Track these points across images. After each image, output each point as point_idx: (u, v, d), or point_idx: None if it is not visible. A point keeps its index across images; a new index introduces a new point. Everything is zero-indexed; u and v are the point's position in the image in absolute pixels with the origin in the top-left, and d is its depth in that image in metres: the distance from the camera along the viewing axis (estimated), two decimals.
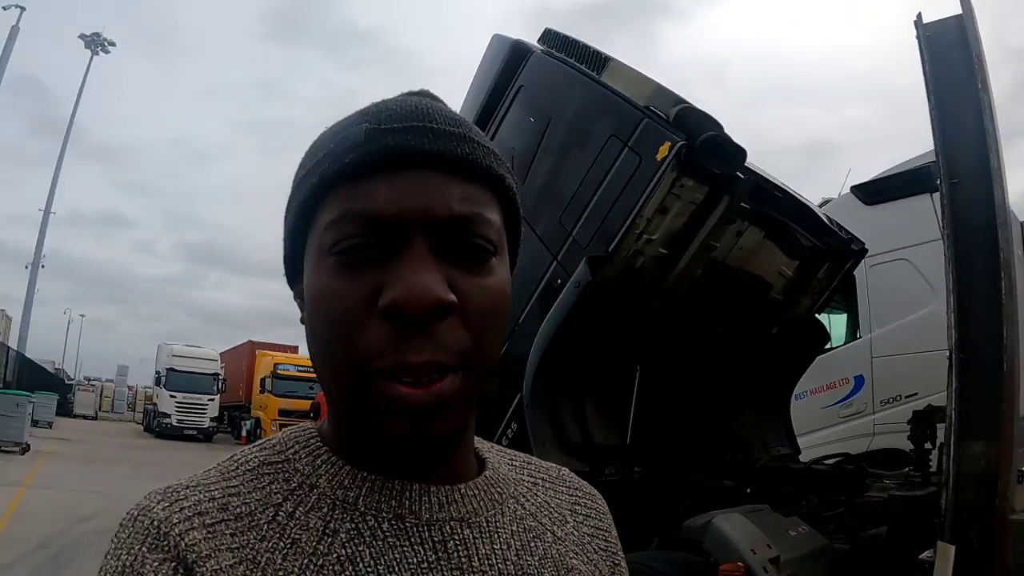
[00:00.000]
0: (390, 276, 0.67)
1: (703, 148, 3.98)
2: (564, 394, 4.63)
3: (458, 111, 3.35)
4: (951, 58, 3.34)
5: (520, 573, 0.77)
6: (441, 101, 0.80)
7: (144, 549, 0.68)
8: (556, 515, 0.87)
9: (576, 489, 0.94)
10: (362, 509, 0.73)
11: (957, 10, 3.30)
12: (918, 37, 3.43)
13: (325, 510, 0.73)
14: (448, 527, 0.75)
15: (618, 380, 4.71)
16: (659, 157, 4.05)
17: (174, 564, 0.67)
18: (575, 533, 0.87)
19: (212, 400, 36.21)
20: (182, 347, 37.77)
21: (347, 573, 0.70)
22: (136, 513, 0.71)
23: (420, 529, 0.74)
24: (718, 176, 4.15)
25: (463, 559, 0.74)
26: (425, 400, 0.67)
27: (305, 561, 0.70)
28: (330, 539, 0.71)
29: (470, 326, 0.69)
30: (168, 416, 34.85)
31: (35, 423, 23.48)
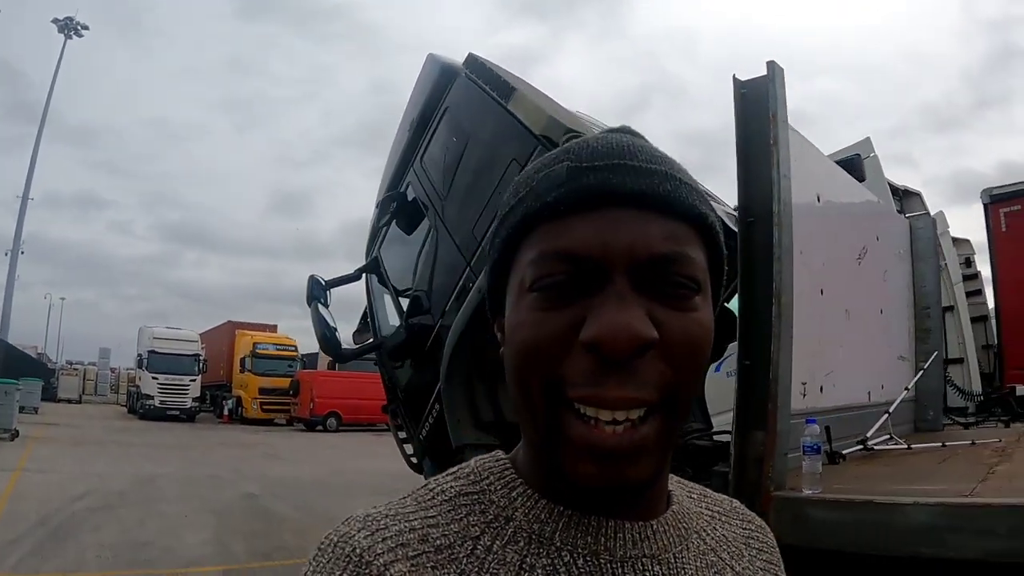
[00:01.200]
0: (592, 312, 0.67)
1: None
2: (479, 379, 5.24)
3: (398, 124, 4.18)
4: (756, 113, 3.75)
5: None
6: (643, 138, 0.80)
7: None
8: (734, 549, 0.87)
9: (748, 522, 0.94)
10: (558, 544, 0.73)
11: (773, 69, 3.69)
12: (734, 93, 3.83)
13: (521, 544, 0.73)
14: (640, 564, 0.75)
15: None
16: None
17: None
18: (750, 568, 0.87)
19: (194, 380, 36.96)
20: (163, 329, 38.40)
21: None
22: (336, 539, 0.71)
23: (614, 566, 0.73)
24: None
25: None
26: (620, 444, 0.66)
27: None
28: (527, 574, 0.71)
29: (671, 362, 0.68)
30: (151, 398, 35.69)
31: (21, 409, 23.95)
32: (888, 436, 4.68)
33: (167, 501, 12.54)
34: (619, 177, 0.70)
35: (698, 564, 0.79)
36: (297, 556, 9.04)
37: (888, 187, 9.17)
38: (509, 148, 4.96)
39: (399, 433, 6.57)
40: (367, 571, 0.68)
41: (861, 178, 8.07)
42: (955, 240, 13.41)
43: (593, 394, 0.66)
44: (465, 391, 5.23)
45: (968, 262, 12.81)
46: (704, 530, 0.85)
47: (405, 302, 6.03)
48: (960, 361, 10.27)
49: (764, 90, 3.74)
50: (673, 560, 0.77)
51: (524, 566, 0.71)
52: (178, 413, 35.81)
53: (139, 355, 38.23)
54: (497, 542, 0.73)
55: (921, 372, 5.51)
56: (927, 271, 6.45)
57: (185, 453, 21.40)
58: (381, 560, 0.68)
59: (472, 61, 5.60)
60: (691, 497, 0.90)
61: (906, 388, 5.13)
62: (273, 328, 40.72)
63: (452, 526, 0.74)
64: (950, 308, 10.46)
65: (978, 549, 2.79)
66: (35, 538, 9.25)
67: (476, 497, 0.77)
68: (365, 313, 7.06)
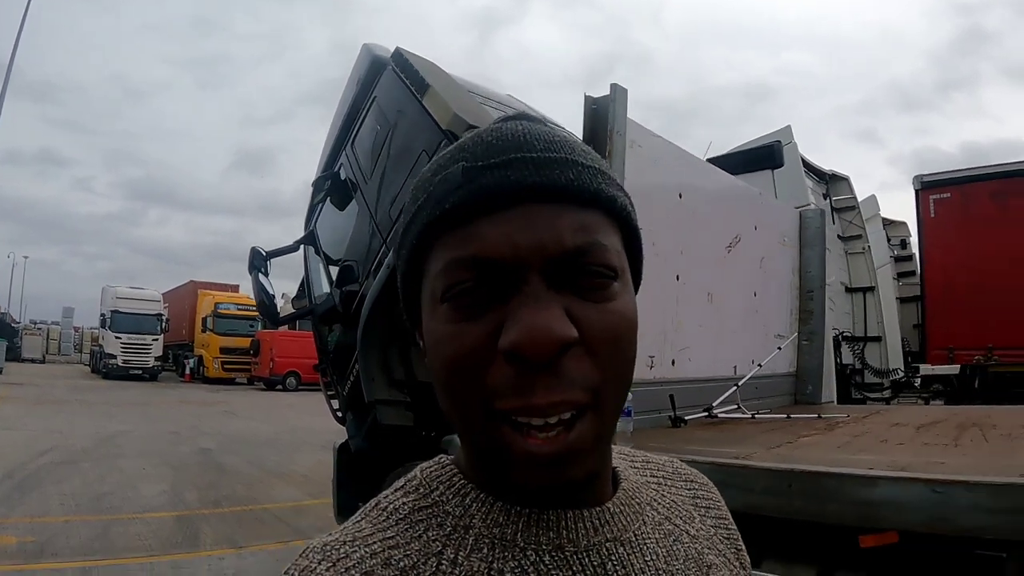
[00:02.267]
0: (509, 317, 0.64)
1: None
2: (393, 342, 5.76)
3: (334, 111, 4.86)
4: (599, 128, 4.26)
5: None
6: (540, 122, 0.75)
7: None
8: (684, 513, 0.87)
9: (692, 481, 0.94)
10: (521, 545, 0.71)
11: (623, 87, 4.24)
12: (584, 109, 4.34)
13: (485, 551, 0.71)
14: (604, 549, 0.74)
15: None
16: None
17: None
18: (703, 528, 0.87)
19: (156, 340, 37.26)
20: (126, 289, 38.54)
21: None
22: (296, 574, 0.69)
23: (580, 556, 0.72)
24: None
25: None
26: (554, 451, 0.64)
27: None
28: None
29: (596, 357, 0.66)
30: (114, 357, 36.07)
31: None
32: (735, 406, 5.17)
33: (127, 456, 13.13)
34: (517, 172, 0.68)
35: (657, 536, 0.80)
36: (244, 504, 9.78)
37: (804, 172, 9.72)
38: (420, 140, 5.43)
39: (328, 390, 7.06)
40: None
41: (779, 164, 8.68)
42: (892, 222, 13.98)
43: (521, 404, 0.64)
44: (379, 353, 5.74)
45: (904, 244, 13.57)
46: (655, 500, 0.85)
47: (336, 272, 6.50)
48: (878, 339, 11.15)
49: (607, 108, 4.21)
50: (634, 538, 0.77)
51: (492, 572, 0.70)
52: (141, 372, 36.24)
53: (102, 315, 38.49)
54: (460, 553, 0.71)
55: (776, 350, 5.99)
56: (813, 257, 6.97)
57: (146, 411, 21.92)
58: None
59: (398, 56, 5.97)
60: (635, 467, 0.90)
61: (759, 364, 5.64)
62: (235, 288, 40.87)
63: (413, 545, 0.72)
64: (871, 289, 11.18)
65: (740, 502, 3.33)
66: (2, 490, 9.83)
67: (431, 511, 0.75)
68: (303, 281, 7.54)
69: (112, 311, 36.78)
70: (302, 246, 7.31)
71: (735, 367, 5.50)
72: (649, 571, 0.76)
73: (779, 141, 8.87)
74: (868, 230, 12.06)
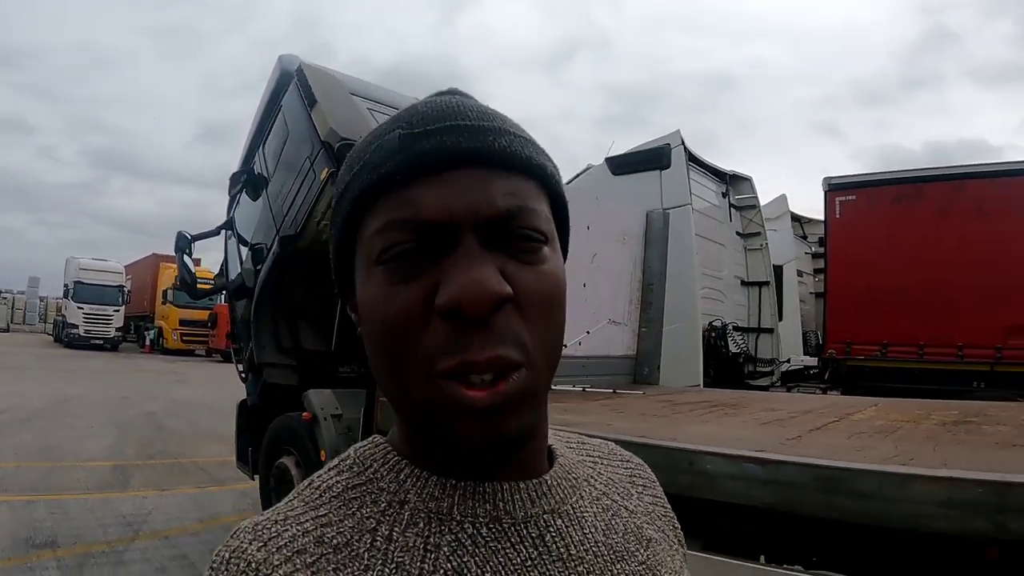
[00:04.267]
0: (445, 276, 0.66)
1: None
2: (282, 316, 6.89)
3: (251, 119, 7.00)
4: None
5: (611, 553, 0.78)
6: (471, 98, 0.77)
7: None
8: (622, 489, 0.89)
9: (627, 461, 0.96)
10: (458, 518, 0.72)
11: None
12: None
13: (421, 525, 0.72)
14: (542, 521, 0.75)
15: (325, 309, 6.74)
16: (321, 178, 6.01)
17: None
18: (641, 504, 0.89)
19: (117, 311, 37.86)
20: (89, 260, 39.00)
21: None
22: (228, 555, 0.67)
23: (518, 528, 0.73)
24: None
25: (561, 549, 0.74)
26: (491, 401, 0.65)
27: None
28: (433, 554, 0.69)
29: (529, 316, 0.68)
30: (76, 327, 36.60)
31: None
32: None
33: (78, 416, 14.20)
34: (453, 138, 0.69)
35: (595, 510, 0.81)
36: (175, 457, 11.03)
37: (694, 172, 10.17)
38: (306, 148, 6.38)
39: (236, 355, 8.08)
40: None
41: (667, 166, 9.50)
42: (811, 220, 14.74)
43: (458, 360, 0.65)
44: (269, 323, 6.83)
45: (821, 241, 13.78)
46: (592, 476, 0.86)
47: (248, 254, 7.38)
48: (770, 331, 11.66)
49: None
50: (572, 510, 0.78)
51: (428, 547, 0.70)
52: (101, 342, 36.93)
53: (65, 285, 39.04)
54: (396, 529, 0.71)
55: (585, 333, 6.79)
56: (655, 255, 7.80)
57: (102, 378, 22.73)
58: (280, 572, 0.65)
59: (300, 71, 6.74)
60: (571, 447, 0.91)
61: (565, 344, 6.65)
62: (196, 262, 40.93)
63: (346, 522, 0.71)
64: (766, 283, 11.72)
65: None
66: None
67: (365, 488, 0.75)
68: (223, 261, 8.56)
69: (75, 282, 37.30)
70: (223, 231, 8.29)
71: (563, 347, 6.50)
72: (588, 543, 0.76)
73: (668, 144, 9.56)
74: (776, 227, 12.80)
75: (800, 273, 14.10)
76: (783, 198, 14.06)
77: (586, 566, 0.75)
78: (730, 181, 11.65)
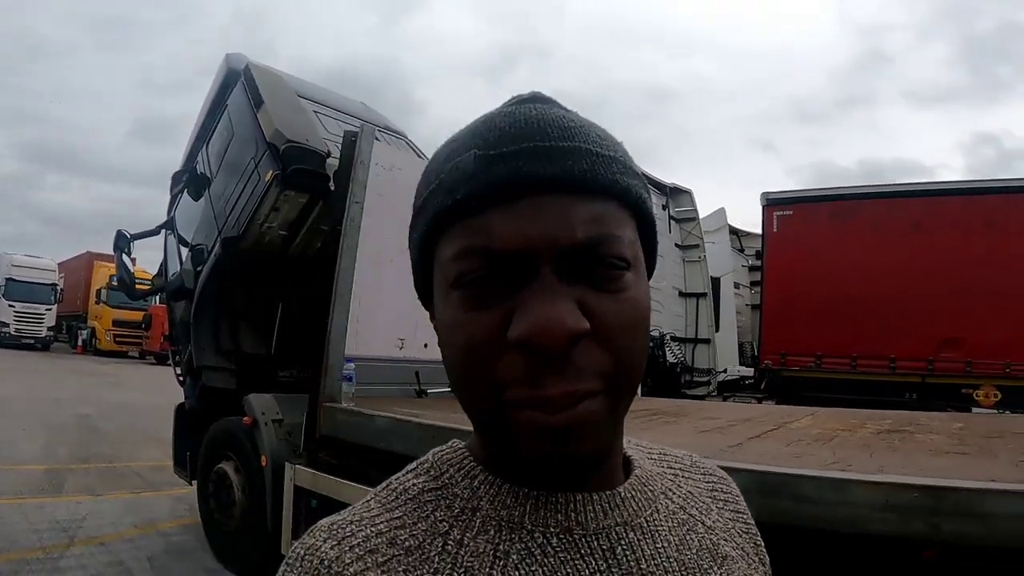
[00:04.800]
0: (519, 307, 0.64)
1: (292, 175, 5.96)
2: (224, 318, 6.85)
3: (196, 115, 7.14)
4: (349, 156, 5.39)
5: (683, 569, 0.75)
6: (555, 104, 0.74)
7: None
8: (701, 504, 0.85)
9: (710, 475, 0.92)
10: (529, 527, 0.71)
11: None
12: (344, 140, 5.51)
13: (492, 532, 0.71)
14: (614, 533, 0.73)
15: (266, 312, 6.90)
16: (266, 179, 6.05)
17: None
18: (720, 520, 0.85)
19: (49, 310, 36.91)
20: (21, 257, 38.01)
21: None
22: (303, 552, 0.69)
23: (588, 539, 0.71)
24: (313, 188, 6.17)
25: (631, 563, 0.72)
26: (564, 423, 0.63)
27: None
28: (502, 562, 0.69)
29: (608, 347, 0.65)
30: (7, 325, 35.56)
31: None
32: None
33: (9, 417, 13.82)
34: (531, 163, 0.65)
35: (670, 524, 0.78)
36: (109, 461, 10.80)
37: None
38: (250, 148, 6.39)
39: (174, 357, 7.97)
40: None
41: None
42: (748, 234, 14.87)
43: (531, 395, 0.63)
44: (210, 325, 6.79)
45: (758, 254, 13.99)
46: (670, 489, 0.83)
47: (188, 254, 7.34)
48: (707, 342, 11.88)
49: (357, 142, 5.31)
50: (645, 524, 0.75)
51: (498, 554, 0.69)
52: (33, 342, 36.04)
53: None
54: (467, 534, 0.71)
55: None
56: None
57: (34, 379, 22.26)
58: (351, 570, 0.66)
59: (247, 71, 6.78)
60: (651, 458, 0.88)
61: None
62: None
63: (419, 525, 0.71)
64: (704, 295, 11.96)
65: (404, 448, 4.01)
66: None
67: (440, 492, 0.74)
68: (163, 261, 8.36)
69: (7, 279, 36.36)
70: (163, 231, 8.21)
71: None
72: (660, 558, 0.73)
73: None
74: (714, 240, 12.96)
75: (737, 285, 14.32)
76: (722, 211, 14.19)
77: None
78: (670, 193, 11.81)
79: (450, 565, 0.68)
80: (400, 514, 0.72)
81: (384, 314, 5.50)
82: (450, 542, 0.70)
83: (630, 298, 0.67)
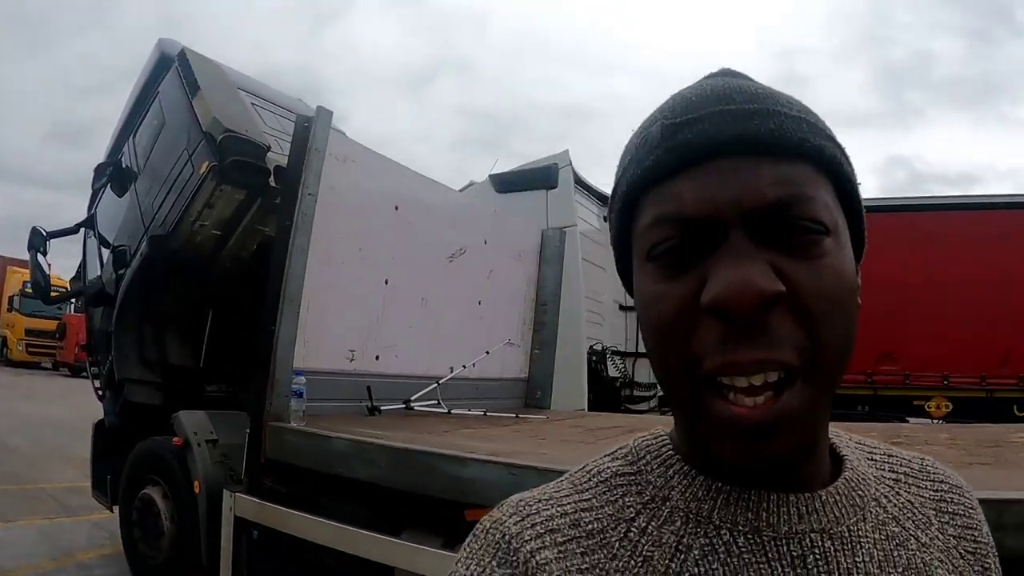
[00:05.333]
0: (711, 273, 0.62)
1: (230, 167, 5.46)
2: (149, 325, 6.26)
3: (118, 116, 6.31)
4: (303, 144, 4.84)
5: None
6: (744, 77, 0.72)
7: (494, 563, 0.68)
8: (920, 517, 0.77)
9: (941, 483, 0.82)
10: (716, 523, 0.68)
11: None
12: (296, 127, 4.99)
13: (678, 524, 0.69)
14: (808, 540, 0.68)
15: (194, 319, 6.35)
16: (201, 171, 5.55)
17: None
18: (940, 537, 0.77)
19: None
20: None
21: None
22: (488, 525, 0.71)
23: (778, 543, 0.67)
24: (252, 184, 5.67)
25: (823, 574, 0.67)
26: (759, 419, 0.61)
27: None
28: (683, 556, 0.67)
29: (804, 317, 0.62)
30: None
31: None
32: (436, 401, 5.66)
33: None
34: (716, 126, 0.65)
35: (877, 536, 0.71)
36: (22, 482, 9.97)
37: (579, 194, 10.12)
38: (184, 138, 5.88)
39: (92, 368, 7.43)
40: (515, 558, 0.67)
41: (553, 185, 9.32)
42: None
43: (724, 361, 0.61)
44: (134, 333, 6.22)
45: None
46: (885, 496, 0.77)
47: (109, 256, 6.80)
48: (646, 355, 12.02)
49: (310, 127, 4.81)
50: (847, 534, 0.69)
51: (680, 547, 0.67)
52: None
53: None
54: (653, 523, 0.69)
55: (484, 354, 6.42)
56: (551, 273, 7.51)
57: None
58: (528, 547, 0.67)
59: (182, 56, 6.26)
60: (872, 460, 0.82)
61: (463, 366, 6.18)
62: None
63: (606, 508, 0.71)
64: None
65: (368, 474, 3.74)
66: None
67: (633, 478, 0.74)
68: (81, 263, 7.84)
69: None
70: (82, 229, 7.64)
71: (451, 368, 6.05)
72: (857, 572, 0.68)
73: (555, 164, 9.42)
74: None
75: None
76: None
77: None
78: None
79: (629, 552, 0.68)
80: (589, 496, 0.73)
81: (334, 322, 5.03)
82: (634, 529, 0.70)
83: (830, 266, 0.64)
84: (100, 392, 7.05)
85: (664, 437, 0.77)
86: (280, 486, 4.28)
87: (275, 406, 4.41)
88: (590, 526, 0.69)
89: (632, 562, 0.67)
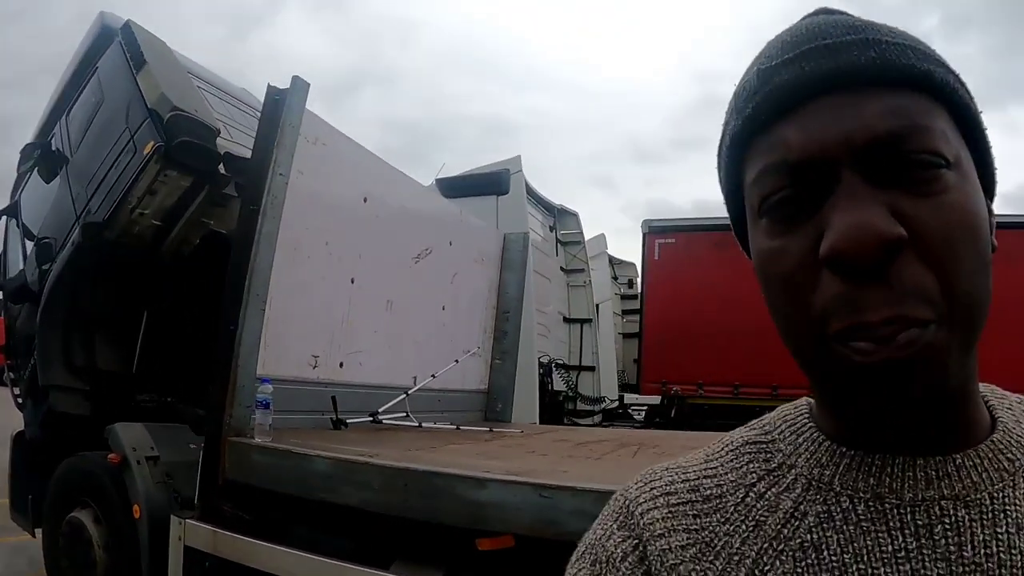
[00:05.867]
0: (827, 221, 0.58)
1: (178, 149, 4.92)
2: (76, 325, 5.64)
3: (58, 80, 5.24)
4: (274, 118, 4.27)
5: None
6: (841, 12, 0.68)
7: (615, 525, 0.72)
8: None
9: None
10: (837, 489, 0.64)
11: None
12: (266, 99, 4.36)
13: (799, 491, 0.66)
14: (937, 508, 0.61)
15: (127, 321, 5.76)
16: (145, 152, 4.98)
17: (635, 542, 0.69)
18: None
19: None
20: None
21: (809, 560, 0.63)
22: (617, 494, 0.75)
23: (901, 511, 0.61)
24: (200, 169, 5.14)
25: (952, 547, 0.59)
26: (888, 359, 0.55)
27: (764, 545, 0.65)
28: (797, 522, 0.64)
29: (932, 261, 0.56)
30: None
31: None
32: (405, 414, 5.22)
33: None
34: (812, 63, 0.61)
35: None
36: None
37: (533, 200, 10.02)
38: (126, 116, 5.34)
39: (12, 373, 6.79)
40: (630, 520, 0.71)
41: (505, 191, 8.96)
42: (621, 262, 14.80)
43: (852, 322, 0.57)
44: (60, 335, 5.60)
45: (631, 283, 14.48)
46: None
47: (33, 248, 6.18)
48: (592, 369, 11.56)
49: (284, 99, 4.26)
50: (988, 502, 0.61)
51: (796, 513, 0.65)
52: None
53: None
54: (773, 489, 0.68)
55: (453, 363, 6.03)
56: (512, 280, 7.12)
57: None
58: (642, 508, 0.71)
59: (127, 29, 5.77)
60: None
61: (433, 375, 5.70)
62: None
63: (728, 475, 0.71)
64: (589, 321, 11.62)
65: (359, 499, 3.25)
66: None
67: (763, 446, 0.73)
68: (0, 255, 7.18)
69: None
70: (3, 216, 7.07)
71: (415, 377, 5.58)
72: (998, 546, 0.59)
73: (507, 170, 9.13)
74: (594, 266, 12.55)
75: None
76: (602, 237, 14.02)
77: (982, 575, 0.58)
78: (558, 215, 11.50)
79: (742, 517, 0.67)
80: (716, 464, 0.73)
81: (297, 324, 4.48)
82: (752, 494, 0.69)
83: (953, 202, 0.59)
84: (20, 400, 6.46)
85: (804, 407, 0.75)
86: (243, 512, 3.73)
87: (236, 419, 3.86)
88: (708, 491, 0.70)
89: (743, 526, 0.67)
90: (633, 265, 14.34)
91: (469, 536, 2.91)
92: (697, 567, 0.66)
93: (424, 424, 5.22)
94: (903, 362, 0.56)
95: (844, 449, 0.66)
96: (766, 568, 0.64)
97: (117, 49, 5.74)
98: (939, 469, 0.63)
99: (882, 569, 0.60)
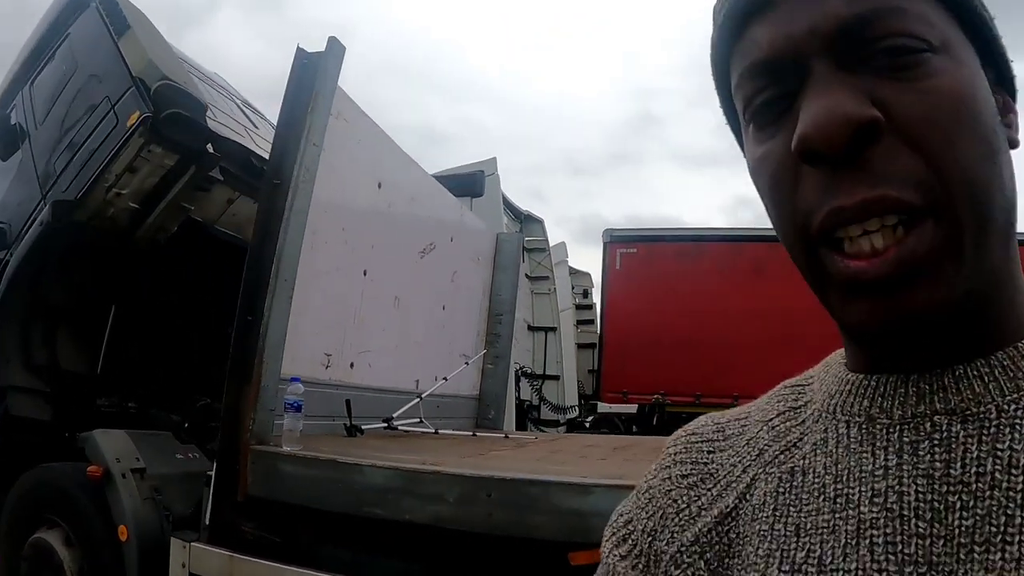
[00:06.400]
0: (800, 116, 0.55)
1: (166, 121, 4.51)
2: (38, 319, 5.12)
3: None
4: (307, 83, 3.80)
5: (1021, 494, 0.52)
6: None
7: (656, 466, 0.76)
8: None
9: None
10: (838, 415, 0.63)
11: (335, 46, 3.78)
12: (294, 63, 3.87)
13: (809, 423, 0.66)
14: (928, 424, 0.57)
15: (94, 314, 5.27)
16: (129, 124, 4.55)
17: (654, 475, 0.75)
18: None
19: None
20: None
21: (795, 483, 0.63)
22: (671, 439, 0.78)
23: (890, 431, 0.59)
24: (187, 147, 4.74)
25: (938, 463, 0.55)
26: (881, 271, 0.52)
27: (759, 471, 0.66)
28: (792, 451, 0.65)
29: (917, 143, 0.53)
30: None
31: None
32: (419, 420, 4.86)
33: None
34: None
35: None
36: None
37: (503, 204, 9.68)
38: (106, 85, 4.92)
39: None
40: (665, 460, 0.74)
41: (480, 193, 8.61)
42: (576, 272, 14.43)
43: (830, 209, 0.54)
44: (19, 330, 5.09)
45: (586, 293, 14.16)
46: None
47: None
48: (557, 378, 11.47)
49: (319, 63, 3.84)
50: (993, 415, 0.55)
51: (798, 444, 0.65)
52: None
53: None
54: (787, 423, 0.67)
55: (464, 365, 5.79)
56: (506, 282, 6.83)
57: None
58: (670, 450, 0.74)
59: None
60: None
61: (444, 379, 5.39)
62: None
63: (754, 415, 0.71)
64: (553, 329, 11.53)
65: (429, 515, 2.87)
66: None
67: (800, 387, 0.71)
68: None
69: None
70: None
71: (417, 381, 5.21)
72: (995, 464, 0.54)
73: (482, 171, 8.72)
74: (556, 274, 12.40)
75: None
76: (562, 245, 13.76)
77: (969, 496, 0.53)
78: (524, 221, 11.40)
79: (749, 448, 0.69)
80: (754, 407, 0.74)
81: (313, 318, 3.96)
82: (765, 428, 0.69)
83: (940, 86, 0.54)
84: None
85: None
86: (274, 535, 3.17)
87: (259, 424, 3.34)
88: (731, 430, 0.72)
89: (748, 456, 0.68)
90: (588, 275, 14.22)
91: (559, 550, 2.60)
92: (692, 492, 0.70)
93: (440, 431, 4.88)
94: (898, 276, 0.53)
95: (851, 376, 0.65)
96: (753, 490, 0.66)
97: (93, 14, 5.29)
98: (934, 383, 0.58)
99: (857, 488, 0.59)
